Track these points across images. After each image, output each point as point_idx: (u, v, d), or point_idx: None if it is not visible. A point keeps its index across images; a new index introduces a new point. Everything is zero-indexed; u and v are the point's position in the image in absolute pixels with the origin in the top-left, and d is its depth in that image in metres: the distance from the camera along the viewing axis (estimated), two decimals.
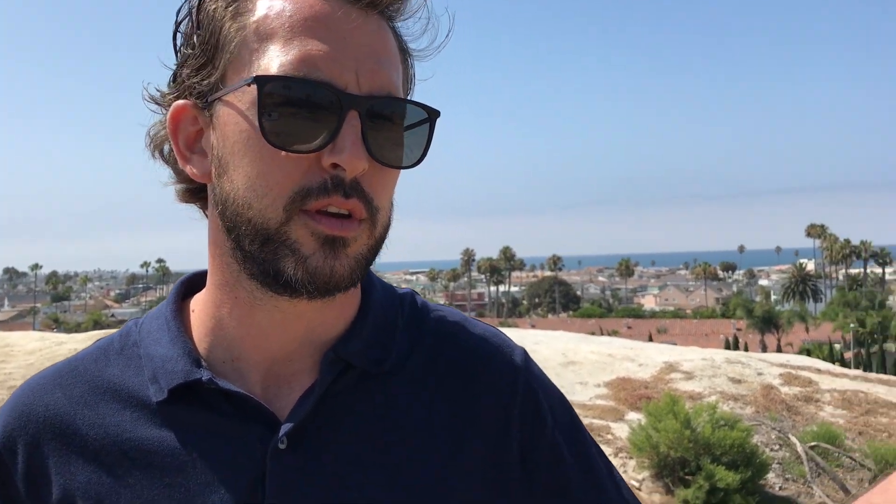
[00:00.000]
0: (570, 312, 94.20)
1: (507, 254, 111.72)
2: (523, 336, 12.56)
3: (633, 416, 8.40)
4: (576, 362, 10.51)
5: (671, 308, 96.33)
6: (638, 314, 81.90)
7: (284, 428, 0.81)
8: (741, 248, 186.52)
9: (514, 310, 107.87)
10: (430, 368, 0.90)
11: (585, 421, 8.43)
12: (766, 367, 10.46)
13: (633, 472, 7.33)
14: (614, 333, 47.76)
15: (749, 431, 7.25)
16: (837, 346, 55.57)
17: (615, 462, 7.44)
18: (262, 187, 0.77)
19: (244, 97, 0.77)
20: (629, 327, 62.90)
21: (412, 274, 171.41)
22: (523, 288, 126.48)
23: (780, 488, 7.66)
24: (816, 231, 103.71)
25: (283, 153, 0.76)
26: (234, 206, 0.79)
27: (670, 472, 7.26)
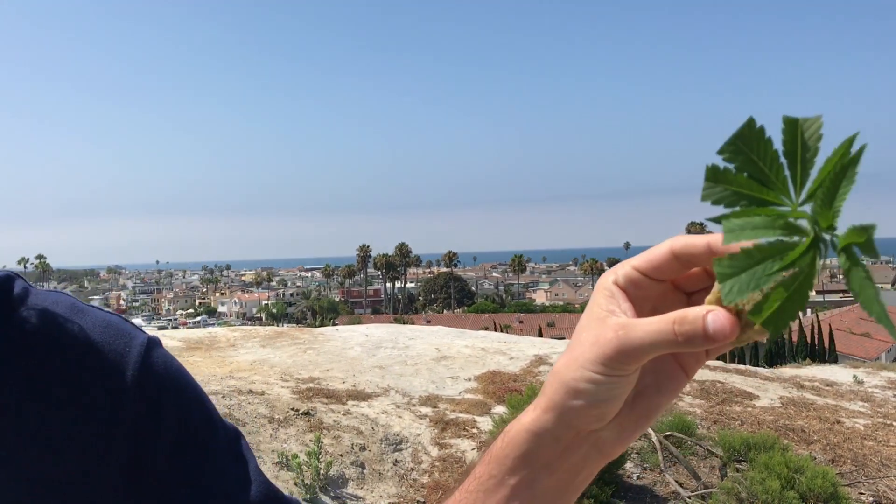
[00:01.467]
0: (465, 308, 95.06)
1: (403, 250, 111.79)
2: (398, 331, 12.46)
3: (500, 409, 8.42)
4: (449, 357, 10.48)
5: (561, 303, 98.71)
6: (529, 309, 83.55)
7: None
8: (627, 245, 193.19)
9: (410, 305, 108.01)
10: (17, 366, 0.75)
11: (452, 416, 8.40)
12: None
13: None
14: (507, 328, 48.49)
15: None
16: None
17: (475, 455, 7.43)
18: None
19: None
20: (521, 322, 64.00)
21: (307, 270, 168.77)
22: (419, 284, 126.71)
23: (638, 477, 7.85)
24: (696, 229, 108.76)
25: None
26: None
27: None
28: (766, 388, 10.01)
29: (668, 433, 7.79)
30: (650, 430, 7.65)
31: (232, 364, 9.26)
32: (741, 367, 11.91)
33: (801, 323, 53.58)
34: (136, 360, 0.80)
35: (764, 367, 13.96)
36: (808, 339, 49.67)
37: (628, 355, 0.61)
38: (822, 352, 46.19)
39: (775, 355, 47.73)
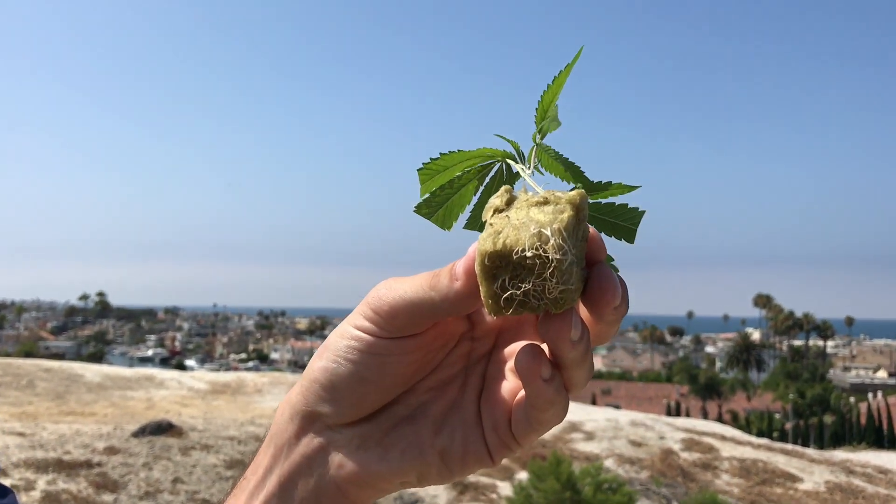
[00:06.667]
0: None
1: None
2: None
3: (523, 475, 8.08)
4: None
5: (618, 370, 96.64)
6: None
7: None
8: (690, 315, 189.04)
9: None
10: None
11: (473, 479, 8.08)
12: (671, 430, 10.24)
13: None
14: None
15: (631, 497, 6.98)
16: (778, 416, 56.11)
17: None
18: None
19: None
20: None
21: None
22: None
23: None
24: (763, 301, 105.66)
25: None
26: None
27: None
28: (811, 471, 9.39)
29: None
30: None
31: (255, 410, 9.15)
32: (787, 446, 11.25)
33: (869, 406, 51.20)
34: None
35: (814, 448, 13.23)
36: (878, 423, 47.28)
37: (381, 305, 0.56)
38: (891, 437, 43.79)
39: (840, 437, 45.60)
